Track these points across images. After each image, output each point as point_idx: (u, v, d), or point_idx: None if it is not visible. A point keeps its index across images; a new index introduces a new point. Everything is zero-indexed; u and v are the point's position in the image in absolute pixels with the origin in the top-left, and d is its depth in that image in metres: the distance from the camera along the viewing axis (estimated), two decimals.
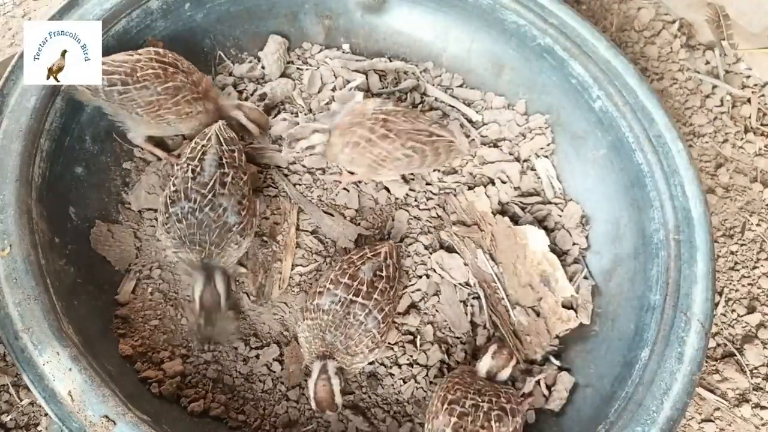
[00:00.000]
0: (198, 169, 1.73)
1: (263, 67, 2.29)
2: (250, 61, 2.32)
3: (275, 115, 2.23)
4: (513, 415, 1.53)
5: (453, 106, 2.32)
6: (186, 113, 1.88)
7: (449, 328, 1.95)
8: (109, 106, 1.83)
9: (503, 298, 1.96)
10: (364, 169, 1.97)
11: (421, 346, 1.90)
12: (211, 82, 1.99)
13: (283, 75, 2.31)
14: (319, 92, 2.29)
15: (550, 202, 2.16)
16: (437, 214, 2.12)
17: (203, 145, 1.78)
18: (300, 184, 2.11)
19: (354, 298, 1.64)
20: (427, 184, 2.17)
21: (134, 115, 1.83)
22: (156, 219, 1.93)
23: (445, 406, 1.52)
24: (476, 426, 1.48)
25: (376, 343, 1.67)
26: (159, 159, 2.04)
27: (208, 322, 1.69)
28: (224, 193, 1.72)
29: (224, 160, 1.77)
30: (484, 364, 1.70)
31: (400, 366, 1.86)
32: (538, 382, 1.84)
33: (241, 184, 1.78)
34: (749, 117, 2.53)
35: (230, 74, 2.28)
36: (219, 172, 1.73)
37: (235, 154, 1.82)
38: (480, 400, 1.53)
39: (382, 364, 1.87)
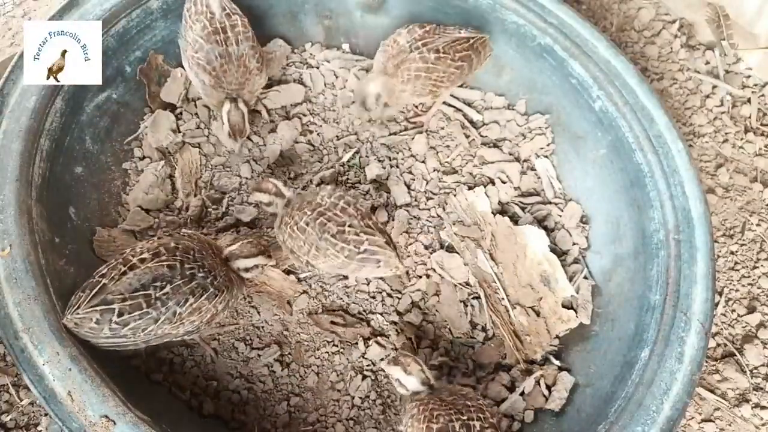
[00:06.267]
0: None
1: None
2: None
3: (292, 117, 2.24)
4: (500, 429, 1.46)
5: (453, 106, 2.32)
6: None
7: (449, 328, 1.95)
8: None
9: (503, 298, 1.96)
10: (428, 96, 2.05)
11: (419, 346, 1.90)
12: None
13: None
14: (321, 93, 2.30)
15: (550, 202, 2.16)
16: (437, 214, 2.12)
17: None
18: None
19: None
20: (427, 183, 2.17)
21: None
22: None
23: None
24: None
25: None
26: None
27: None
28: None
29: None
30: (413, 383, 1.54)
31: None
32: (537, 382, 1.84)
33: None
34: (749, 117, 2.53)
35: None
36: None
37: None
38: (467, 419, 1.40)
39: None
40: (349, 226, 1.71)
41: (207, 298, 1.53)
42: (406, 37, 1.98)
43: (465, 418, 1.40)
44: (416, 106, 2.29)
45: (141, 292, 1.45)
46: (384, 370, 1.61)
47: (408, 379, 1.54)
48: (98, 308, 1.42)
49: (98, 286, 1.44)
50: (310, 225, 1.71)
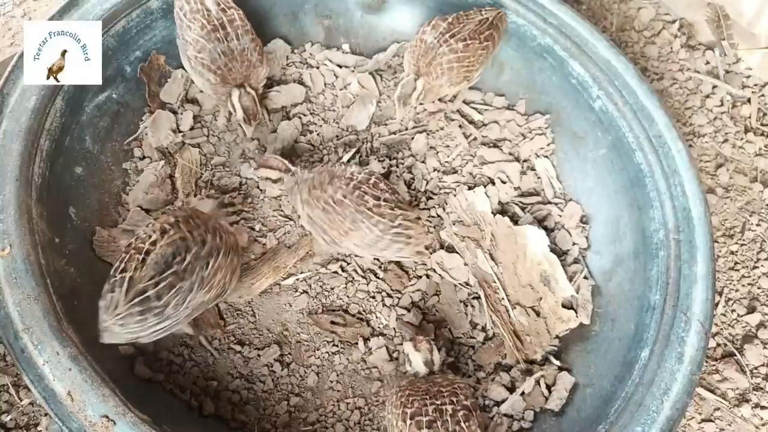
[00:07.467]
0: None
1: None
2: None
3: (292, 117, 2.24)
4: (476, 410, 1.50)
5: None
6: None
7: (449, 328, 1.95)
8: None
9: (503, 298, 1.96)
10: (463, 83, 2.08)
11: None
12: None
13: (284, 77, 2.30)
14: (321, 93, 2.30)
15: (550, 202, 2.16)
16: (437, 214, 2.12)
17: None
18: None
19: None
20: (427, 183, 2.17)
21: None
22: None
23: (408, 422, 1.43)
24: (448, 431, 1.42)
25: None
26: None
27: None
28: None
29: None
30: (417, 361, 1.61)
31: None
32: (537, 382, 1.84)
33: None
34: (749, 117, 2.53)
35: None
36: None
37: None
38: (440, 404, 1.46)
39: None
40: (384, 200, 1.74)
41: (223, 256, 1.59)
42: (432, 33, 1.99)
43: (438, 402, 1.47)
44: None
45: (168, 271, 1.47)
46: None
47: (415, 355, 1.61)
48: (136, 299, 1.43)
49: (126, 281, 1.44)
50: (348, 197, 1.72)
